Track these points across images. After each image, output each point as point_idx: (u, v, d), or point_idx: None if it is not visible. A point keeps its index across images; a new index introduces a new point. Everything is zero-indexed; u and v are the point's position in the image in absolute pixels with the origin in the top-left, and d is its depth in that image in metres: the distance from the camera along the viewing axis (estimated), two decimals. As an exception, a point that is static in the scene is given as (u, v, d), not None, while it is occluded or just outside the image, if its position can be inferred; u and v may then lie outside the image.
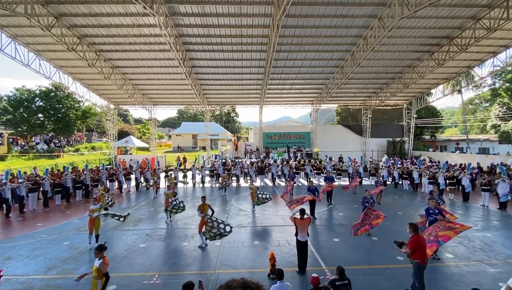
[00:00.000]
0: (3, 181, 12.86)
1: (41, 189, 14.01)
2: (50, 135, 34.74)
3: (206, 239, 7.98)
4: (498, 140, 32.91)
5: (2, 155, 25.14)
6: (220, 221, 7.90)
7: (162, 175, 19.87)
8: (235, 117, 75.49)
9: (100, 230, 8.68)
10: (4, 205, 12.28)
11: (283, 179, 20.05)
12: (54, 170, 18.18)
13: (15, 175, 14.45)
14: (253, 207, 12.29)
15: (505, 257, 7.35)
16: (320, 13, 13.66)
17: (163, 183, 18.08)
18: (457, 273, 6.51)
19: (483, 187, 13.20)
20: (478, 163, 18.39)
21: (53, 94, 32.57)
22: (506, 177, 12.71)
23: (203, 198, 8.63)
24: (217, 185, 17.45)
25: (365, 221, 7.80)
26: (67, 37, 14.03)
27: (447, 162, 18.40)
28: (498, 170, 13.99)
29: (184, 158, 19.96)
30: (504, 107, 33.58)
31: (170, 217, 10.83)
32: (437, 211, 7.44)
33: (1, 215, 12.12)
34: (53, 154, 28.65)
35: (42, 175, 15.05)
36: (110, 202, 11.15)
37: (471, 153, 28.14)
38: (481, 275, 6.39)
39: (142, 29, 14.71)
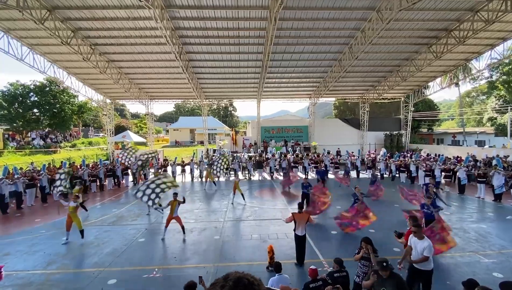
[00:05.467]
0: (0, 177, 12.77)
1: (39, 185, 13.96)
2: (46, 130, 34.47)
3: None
4: (494, 133, 33.17)
5: (-2, 151, 24.93)
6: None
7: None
8: (232, 111, 75.15)
9: (99, 225, 8.70)
10: (3, 201, 12.20)
11: (281, 173, 20.11)
12: (51, 165, 18.08)
13: (10, 171, 14.36)
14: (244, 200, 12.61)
15: (499, 247, 7.48)
16: (318, 5, 13.50)
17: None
18: (452, 264, 6.62)
19: (478, 179, 13.35)
20: (473, 156, 18.52)
21: (48, 88, 32.23)
22: (501, 169, 12.85)
23: (175, 195, 8.77)
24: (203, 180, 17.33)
25: (355, 218, 8.20)
26: (60, 31, 13.77)
27: (442, 155, 18.54)
28: (494, 162, 14.11)
29: (165, 159, 20.19)
30: (501, 100, 33.76)
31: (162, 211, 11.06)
32: (431, 208, 7.52)
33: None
34: (50, 149, 28.47)
35: (39, 171, 14.95)
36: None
37: (467, 145, 28.36)
38: (475, 265, 6.51)
39: (137, 22, 14.47)
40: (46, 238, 8.76)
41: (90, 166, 17.98)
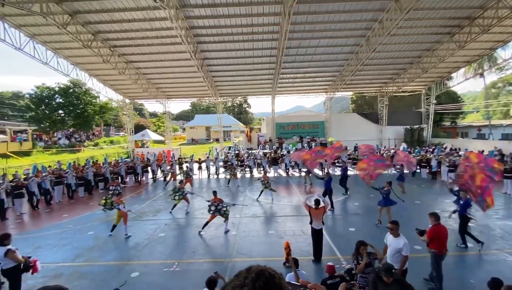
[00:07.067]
0: (30, 175, 13.58)
1: (65, 182, 14.71)
2: (70, 130, 36.14)
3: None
4: (524, 125, 31.19)
5: (27, 150, 26.45)
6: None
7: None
8: (247, 108, 75.34)
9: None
10: (33, 197, 12.99)
11: (297, 170, 19.98)
12: (76, 164, 18.98)
13: (39, 170, 15.22)
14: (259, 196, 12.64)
15: (528, 246, 7.11)
16: (332, -3, 13.22)
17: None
18: (476, 262, 6.39)
19: (505, 174, 12.67)
20: (499, 150, 17.57)
21: (71, 90, 33.70)
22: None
23: (214, 193, 9.07)
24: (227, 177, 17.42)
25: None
26: (81, 34, 14.36)
27: (466, 149, 17.73)
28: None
29: (180, 157, 20.60)
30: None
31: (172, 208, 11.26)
32: (467, 202, 7.25)
33: (29, 207, 12.86)
34: (75, 148, 29.86)
35: (65, 169, 15.76)
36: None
37: (493, 139, 26.92)
38: (501, 264, 6.24)
39: (153, 23, 14.80)
40: (73, 233, 9.26)
41: (112, 164, 18.72)
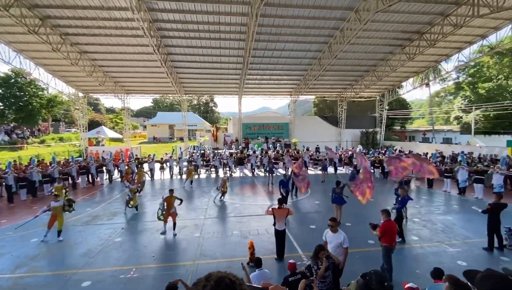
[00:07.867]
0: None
1: (4, 183, 13.05)
2: (11, 125, 32.23)
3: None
4: (460, 131, 35.42)
5: (-44, 147, 22.97)
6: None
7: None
8: (213, 107, 74.21)
9: (71, 225, 8.35)
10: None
11: (262, 170, 20.23)
12: (18, 163, 16.94)
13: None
14: (221, 197, 12.46)
15: (463, 237, 8.06)
16: (299, 3, 13.64)
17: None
18: (421, 254, 7.05)
19: (445, 174, 14.24)
20: (441, 152, 19.70)
21: (13, 80, 30.06)
22: (465, 164, 13.79)
23: (171, 191, 8.84)
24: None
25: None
26: (27, 18, 12.87)
27: (411, 151, 19.57)
28: (459, 158, 15.10)
29: (137, 158, 19.57)
30: (466, 100, 36.03)
31: (126, 208, 10.78)
32: (406, 198, 8.00)
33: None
34: (16, 146, 26.67)
35: (4, 169, 13.98)
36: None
37: (436, 142, 30.08)
38: (442, 255, 6.97)
39: (112, 12, 13.83)
40: (13, 240, 8.25)
41: (61, 163, 17.08)
